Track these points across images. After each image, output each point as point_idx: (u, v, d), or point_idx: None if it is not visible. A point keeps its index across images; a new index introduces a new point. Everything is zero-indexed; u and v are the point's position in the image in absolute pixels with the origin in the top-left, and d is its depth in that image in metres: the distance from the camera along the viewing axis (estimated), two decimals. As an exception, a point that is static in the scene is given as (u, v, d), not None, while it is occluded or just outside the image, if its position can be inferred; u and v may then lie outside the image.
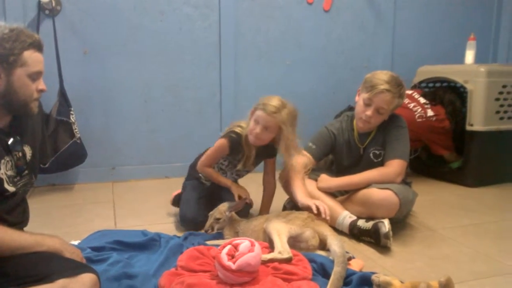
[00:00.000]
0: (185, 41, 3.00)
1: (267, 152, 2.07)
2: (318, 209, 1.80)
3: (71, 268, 1.22)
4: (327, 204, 2.00)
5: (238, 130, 2.01)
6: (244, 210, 2.06)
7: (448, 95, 2.97)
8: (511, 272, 1.67)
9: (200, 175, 2.18)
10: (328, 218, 1.81)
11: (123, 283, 1.41)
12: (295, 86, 3.27)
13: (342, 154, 2.21)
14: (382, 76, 2.01)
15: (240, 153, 2.02)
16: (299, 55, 3.28)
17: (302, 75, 3.31)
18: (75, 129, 2.64)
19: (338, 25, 3.35)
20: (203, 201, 2.07)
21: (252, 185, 2.21)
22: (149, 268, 1.56)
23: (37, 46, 1.25)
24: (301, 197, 1.92)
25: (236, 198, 1.99)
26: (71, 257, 1.30)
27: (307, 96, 3.30)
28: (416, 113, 2.84)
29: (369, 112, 2.01)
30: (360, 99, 2.08)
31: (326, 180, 2.12)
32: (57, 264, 1.23)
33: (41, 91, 1.25)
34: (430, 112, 2.87)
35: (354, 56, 3.39)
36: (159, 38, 2.94)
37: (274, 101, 1.91)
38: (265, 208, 2.13)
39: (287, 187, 2.09)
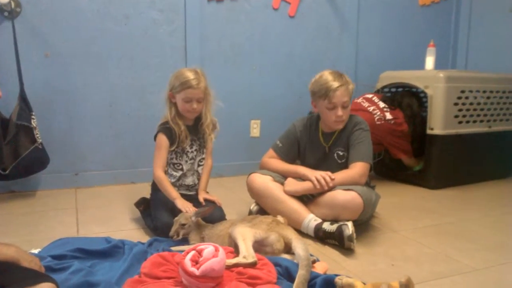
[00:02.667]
0: (150, 45, 2.97)
1: (195, 129, 2.16)
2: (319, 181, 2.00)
3: (29, 277, 1.18)
4: (292, 208, 2.05)
5: (162, 121, 2.13)
6: (219, 214, 2.05)
7: (407, 99, 3.06)
8: (469, 271, 1.73)
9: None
10: (330, 185, 2.01)
11: (85, 292, 1.37)
12: (262, 91, 3.30)
13: (305, 152, 2.25)
14: (324, 78, 2.10)
15: (175, 137, 2.08)
16: (265, 60, 3.31)
17: (269, 80, 3.34)
18: (37, 134, 2.56)
19: (303, 31, 3.39)
20: (175, 207, 2.03)
21: (219, 189, 2.21)
22: (112, 276, 1.53)
23: None
24: (302, 169, 2.12)
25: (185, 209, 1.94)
26: (29, 266, 1.26)
27: (275, 100, 3.34)
28: (375, 115, 2.91)
29: (339, 113, 2.08)
30: (321, 109, 2.13)
31: (293, 184, 2.14)
32: (13, 273, 1.19)
33: None
34: (388, 116, 2.95)
35: (320, 61, 3.44)
36: (123, 42, 2.90)
37: (190, 74, 2.04)
38: (202, 184, 2.19)
39: (270, 164, 2.24)
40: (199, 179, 2.19)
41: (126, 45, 2.90)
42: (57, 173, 2.83)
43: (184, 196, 2.09)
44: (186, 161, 2.14)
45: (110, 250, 1.73)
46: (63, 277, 1.46)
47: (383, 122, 2.91)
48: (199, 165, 2.18)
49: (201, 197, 2.13)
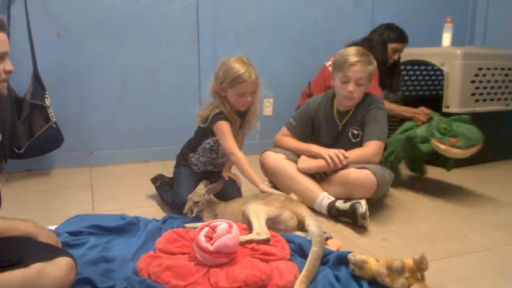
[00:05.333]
0: (162, 23, 2.94)
1: (242, 118, 2.10)
2: (332, 159, 2.01)
3: (46, 252, 1.20)
4: (305, 186, 2.04)
5: (217, 110, 1.99)
6: (235, 192, 2.07)
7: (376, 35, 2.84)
8: (482, 250, 1.72)
9: (190, 162, 2.15)
10: (344, 163, 2.01)
11: (101, 266, 1.39)
12: (274, 69, 3.26)
13: (320, 130, 2.23)
14: (347, 52, 2.07)
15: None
16: (277, 38, 3.27)
17: (281, 58, 3.30)
18: (51, 113, 2.59)
19: (315, 8, 3.34)
20: (196, 186, 2.00)
21: (232, 168, 2.22)
22: (127, 251, 1.56)
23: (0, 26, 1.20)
24: (316, 148, 2.12)
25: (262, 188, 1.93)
26: (46, 241, 1.28)
27: (288, 79, 3.30)
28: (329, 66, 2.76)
29: (350, 88, 2.03)
30: (336, 81, 2.09)
31: (306, 161, 2.13)
32: (31, 248, 1.22)
33: (8, 72, 1.20)
34: None
35: (332, 39, 3.38)
36: (135, 20, 2.88)
37: (239, 67, 1.94)
38: (229, 164, 2.21)
39: (283, 142, 2.24)
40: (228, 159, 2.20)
41: (137, 23, 2.89)
42: (71, 151, 2.86)
43: (210, 173, 2.13)
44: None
45: (125, 227, 1.76)
46: (80, 252, 1.50)
47: None
48: None
49: (225, 174, 2.16)
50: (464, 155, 2.17)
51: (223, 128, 1.97)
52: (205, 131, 2.05)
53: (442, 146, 2.14)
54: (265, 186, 1.94)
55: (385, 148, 2.29)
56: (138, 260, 1.43)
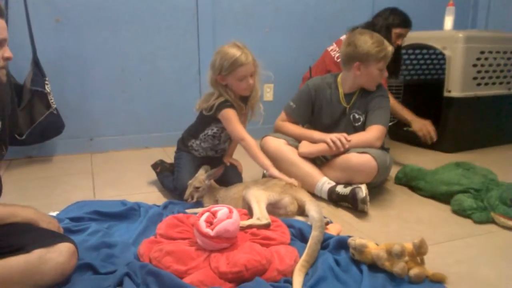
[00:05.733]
0: (161, 8, 2.92)
1: (244, 103, 2.08)
2: (334, 143, 2.00)
3: (48, 238, 1.21)
4: (305, 171, 2.04)
5: (222, 99, 1.98)
6: (237, 177, 2.08)
7: (381, 20, 2.75)
8: (482, 234, 1.73)
9: (191, 148, 2.14)
10: (346, 147, 2.00)
11: (102, 252, 1.41)
12: (274, 53, 3.24)
13: (321, 112, 2.22)
14: (376, 42, 2.05)
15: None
16: (278, 21, 3.24)
17: (282, 42, 3.28)
18: (51, 99, 2.58)
19: (317, -9, 3.30)
20: (197, 171, 2.01)
21: (234, 154, 2.23)
22: (128, 237, 1.57)
23: None
24: (318, 134, 2.11)
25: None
26: (47, 227, 1.29)
27: (288, 63, 3.28)
28: (334, 55, 2.73)
29: (386, 73, 2.15)
30: (371, 70, 2.07)
31: (307, 146, 2.13)
32: (33, 234, 1.23)
33: (7, 59, 1.19)
34: None
35: (334, 23, 3.35)
36: (134, 5, 2.85)
37: (235, 51, 1.93)
38: (230, 150, 2.22)
39: (284, 128, 2.24)
40: (229, 145, 2.20)
41: (136, 8, 2.86)
42: (72, 138, 2.86)
43: (211, 158, 2.14)
44: (226, 134, 2.11)
45: (126, 213, 1.77)
46: (81, 238, 1.51)
47: None
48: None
49: (227, 159, 2.16)
50: None
51: (230, 115, 1.96)
52: (209, 119, 2.03)
53: (511, 222, 1.77)
54: (276, 171, 1.91)
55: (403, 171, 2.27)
56: (139, 246, 1.44)
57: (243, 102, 2.05)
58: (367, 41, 2.05)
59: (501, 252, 1.57)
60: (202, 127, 2.09)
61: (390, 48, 2.07)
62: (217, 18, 3.05)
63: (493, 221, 1.80)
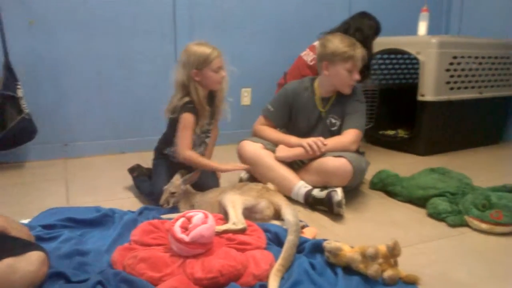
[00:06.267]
0: (138, 12, 2.89)
1: (210, 102, 2.08)
2: (311, 147, 2.00)
3: (18, 246, 1.19)
4: (282, 175, 2.05)
5: (186, 99, 1.98)
6: (213, 182, 2.07)
7: (357, 23, 2.78)
8: (455, 235, 1.76)
9: (166, 152, 2.12)
10: (323, 150, 2.01)
11: (75, 260, 1.38)
12: (253, 58, 3.25)
13: (298, 116, 2.24)
14: (348, 42, 2.10)
15: (198, 117, 2.01)
16: (256, 26, 3.25)
17: (260, 46, 3.29)
18: (23, 104, 2.52)
19: (295, -4, 3.32)
20: (173, 175, 1.98)
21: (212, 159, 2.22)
22: (102, 244, 1.54)
23: None
24: (295, 139, 2.12)
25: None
26: (18, 235, 1.26)
27: (266, 68, 3.28)
28: (307, 59, 2.75)
29: (357, 76, 2.11)
30: (339, 71, 2.09)
31: (284, 150, 2.14)
32: (2, 243, 1.20)
33: None
34: None
35: (312, 27, 3.35)
36: (110, 8, 2.81)
37: (206, 46, 1.98)
38: (208, 154, 2.19)
39: (262, 132, 2.24)
40: (205, 149, 2.18)
41: (113, 11, 2.83)
42: (46, 143, 2.80)
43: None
44: (198, 135, 2.09)
45: (100, 219, 1.74)
46: (54, 246, 1.48)
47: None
48: (207, 136, 2.16)
49: None
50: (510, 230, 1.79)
51: (186, 121, 1.96)
52: (177, 122, 2.03)
53: (484, 225, 1.77)
54: (225, 164, 1.97)
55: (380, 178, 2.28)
56: (113, 253, 1.41)
57: (209, 101, 2.05)
58: (335, 42, 2.09)
59: (473, 253, 1.61)
60: (173, 132, 2.07)
61: (359, 50, 2.09)
62: (194, 23, 3.04)
63: (466, 224, 1.84)
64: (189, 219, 1.37)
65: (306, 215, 1.93)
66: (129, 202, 2.06)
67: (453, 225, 1.84)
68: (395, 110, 3.43)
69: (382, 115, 3.34)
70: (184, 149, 1.96)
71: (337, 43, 2.09)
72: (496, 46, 3.22)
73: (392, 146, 3.22)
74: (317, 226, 1.78)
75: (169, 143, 2.10)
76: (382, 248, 1.36)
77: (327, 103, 2.18)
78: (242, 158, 2.19)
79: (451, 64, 2.95)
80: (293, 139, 2.15)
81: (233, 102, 3.25)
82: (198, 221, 1.35)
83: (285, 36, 3.34)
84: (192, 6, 3.02)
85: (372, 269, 1.32)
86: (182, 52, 2.02)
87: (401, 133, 3.37)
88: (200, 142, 2.12)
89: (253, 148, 2.15)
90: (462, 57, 3.00)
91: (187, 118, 1.96)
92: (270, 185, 1.88)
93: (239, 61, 3.29)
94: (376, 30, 2.76)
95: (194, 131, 2.00)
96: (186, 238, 1.31)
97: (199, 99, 1.97)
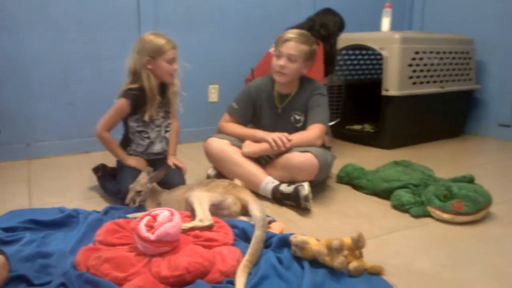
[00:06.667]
0: (102, 8, 2.82)
1: (162, 94, 2.09)
2: (276, 142, 2.02)
3: (-25, 250, 1.15)
4: (249, 171, 2.06)
5: (131, 86, 2.01)
6: (179, 179, 2.06)
7: (322, 19, 2.81)
8: (418, 225, 1.82)
9: (128, 151, 2.11)
10: (287, 146, 2.02)
11: (37, 262, 1.35)
12: (220, 55, 3.24)
13: (261, 113, 2.25)
14: (287, 31, 2.15)
15: (143, 106, 2.02)
16: (223, 23, 3.23)
17: (226, 42, 3.28)
18: (-18, 104, 2.44)
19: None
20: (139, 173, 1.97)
21: (178, 155, 2.21)
22: (66, 245, 1.50)
23: None
24: (260, 133, 2.13)
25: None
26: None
27: (233, 64, 3.28)
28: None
29: (281, 62, 2.09)
30: (273, 57, 2.15)
31: (250, 145, 2.14)
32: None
33: None
34: None
35: (278, 24, 3.36)
36: (74, 4, 2.74)
37: (162, 37, 2.01)
38: (171, 149, 2.19)
39: (227, 129, 2.23)
40: (167, 145, 2.17)
41: (77, 8, 2.75)
42: (7, 144, 2.71)
43: (154, 160, 2.11)
44: (153, 129, 2.09)
45: (64, 220, 1.70)
46: (15, 248, 1.44)
47: None
48: (166, 131, 2.15)
49: (171, 161, 2.13)
50: (473, 219, 1.84)
51: (118, 106, 2.01)
52: (127, 118, 2.06)
53: (445, 215, 1.83)
54: (130, 159, 2.04)
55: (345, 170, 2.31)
56: (77, 254, 1.38)
57: (161, 91, 2.05)
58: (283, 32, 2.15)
59: (435, 243, 1.66)
60: (126, 126, 2.09)
61: (289, 36, 2.09)
62: (159, 19, 3.00)
63: (429, 215, 1.90)
64: (154, 217, 1.36)
65: (274, 210, 1.94)
66: (95, 202, 2.02)
67: (416, 216, 1.89)
68: (362, 105, 3.49)
69: (349, 110, 3.40)
70: (102, 128, 2.02)
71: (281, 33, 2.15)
72: (457, 42, 3.33)
73: (358, 141, 3.28)
74: (285, 221, 1.80)
75: (126, 141, 2.11)
76: (347, 240, 1.38)
77: (285, 99, 2.20)
78: (209, 155, 2.18)
79: (414, 59, 3.02)
80: (258, 132, 2.16)
81: (200, 99, 3.26)
82: (164, 219, 1.34)
83: (252, 32, 3.34)
84: (157, 2, 2.97)
85: (337, 261, 1.34)
86: (138, 39, 2.04)
87: (368, 127, 3.44)
88: (161, 138, 2.11)
89: (219, 144, 2.15)
90: (424, 52, 3.08)
91: (121, 103, 2.01)
92: (237, 181, 1.89)
93: (206, 58, 3.29)
94: (340, 26, 2.80)
95: (121, 118, 2.05)
96: (152, 236, 1.30)
97: (151, 87, 1.99)
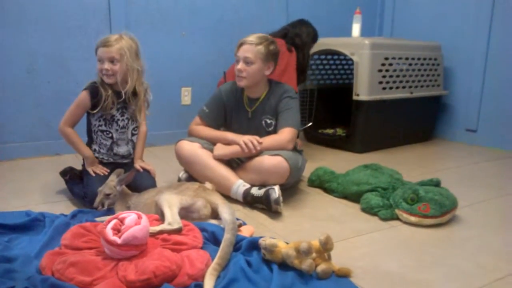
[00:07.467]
0: (70, 7, 2.78)
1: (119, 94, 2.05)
2: (246, 145, 2.03)
3: None
4: (220, 174, 2.06)
5: (93, 80, 2.04)
6: (149, 181, 2.04)
7: (296, 30, 2.83)
8: (386, 228, 1.85)
9: (95, 153, 2.09)
10: (258, 149, 2.03)
11: (1, 267, 1.30)
12: (193, 57, 3.23)
13: (232, 117, 2.26)
14: (249, 35, 2.16)
15: (100, 99, 2.00)
16: (195, 25, 3.23)
17: (200, 46, 3.27)
18: None
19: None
20: (107, 176, 1.94)
21: (151, 158, 2.19)
22: (31, 249, 1.47)
23: None
24: (231, 135, 2.14)
25: (92, 172, 2.01)
26: None
27: (206, 67, 3.28)
28: None
29: (238, 66, 2.11)
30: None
31: (221, 148, 2.15)
32: None
33: None
34: None
35: (250, 27, 3.40)
36: (41, 2, 2.69)
37: (111, 36, 2.01)
38: (138, 153, 2.16)
39: (198, 132, 2.24)
40: (134, 148, 2.15)
41: (43, 6, 2.70)
42: (-29, 146, 2.64)
43: (121, 164, 2.07)
44: (117, 130, 2.06)
45: (29, 224, 1.66)
46: (-23, 253, 1.39)
47: None
48: (133, 134, 2.12)
49: (138, 165, 2.10)
50: (439, 222, 1.88)
51: (79, 98, 2.01)
52: (88, 114, 2.05)
53: (413, 218, 1.87)
54: (93, 162, 2.05)
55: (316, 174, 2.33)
56: (42, 258, 1.36)
57: (115, 93, 2.02)
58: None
59: (402, 245, 1.69)
60: (89, 126, 2.08)
61: (243, 40, 2.13)
62: (130, 20, 2.97)
63: (397, 218, 1.93)
64: (121, 221, 1.35)
65: (245, 213, 1.95)
66: (62, 206, 1.98)
67: (384, 219, 1.93)
68: (334, 109, 3.54)
69: (321, 114, 3.44)
70: (65, 123, 2.03)
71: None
72: (425, 48, 3.41)
73: (330, 144, 3.32)
74: (256, 224, 1.80)
75: (91, 140, 2.10)
76: (316, 243, 1.40)
77: (255, 103, 2.21)
78: (180, 158, 2.17)
79: (383, 65, 3.08)
80: (229, 135, 2.16)
81: (172, 101, 3.24)
82: (131, 222, 1.33)
83: (224, 35, 3.35)
84: (128, 3, 2.95)
85: (305, 264, 1.36)
86: None
87: (339, 131, 3.49)
88: (127, 141, 2.10)
89: (190, 147, 2.14)
90: (393, 58, 3.15)
91: (82, 95, 2.01)
92: (207, 184, 1.88)
93: (178, 60, 3.27)
94: (313, 37, 2.86)
95: (83, 112, 2.04)
96: (118, 240, 1.28)
97: (99, 80, 2.01)
